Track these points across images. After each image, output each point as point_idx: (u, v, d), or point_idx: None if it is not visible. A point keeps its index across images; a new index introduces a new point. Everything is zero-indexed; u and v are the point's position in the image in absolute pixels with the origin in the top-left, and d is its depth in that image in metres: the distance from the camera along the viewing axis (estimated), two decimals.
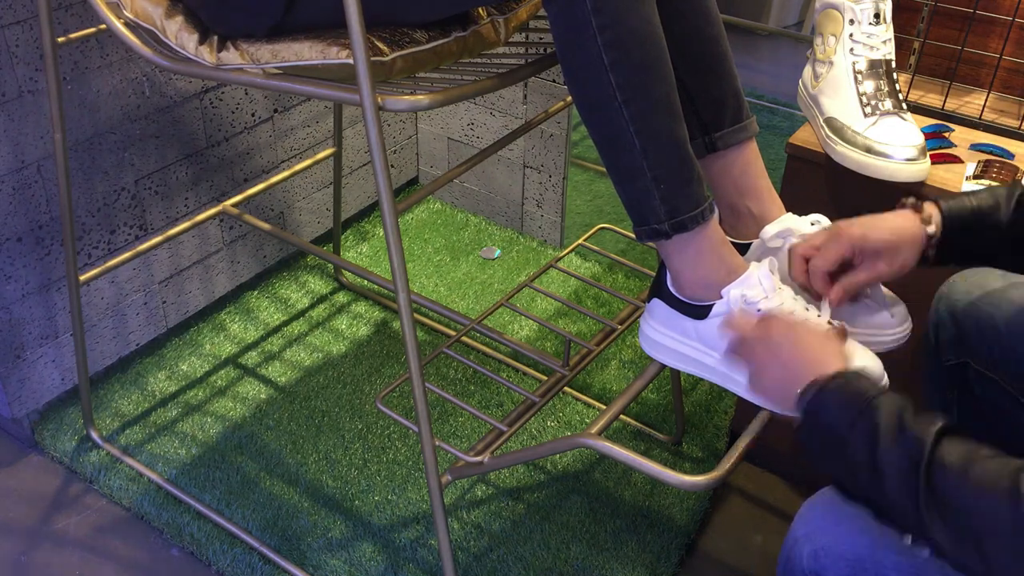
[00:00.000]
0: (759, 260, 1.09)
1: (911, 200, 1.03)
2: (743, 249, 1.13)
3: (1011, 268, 1.04)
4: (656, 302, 1.07)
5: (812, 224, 1.09)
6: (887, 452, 0.79)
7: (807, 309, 1.00)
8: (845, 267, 1.02)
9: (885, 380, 0.99)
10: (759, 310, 0.98)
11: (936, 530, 0.76)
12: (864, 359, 0.98)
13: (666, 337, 1.07)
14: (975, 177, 1.27)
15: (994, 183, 1.26)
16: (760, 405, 1.01)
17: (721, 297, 1.00)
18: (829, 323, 0.99)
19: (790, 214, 1.11)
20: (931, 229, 1.00)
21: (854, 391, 0.84)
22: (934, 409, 1.20)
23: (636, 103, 0.94)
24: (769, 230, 1.10)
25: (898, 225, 1.01)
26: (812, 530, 0.89)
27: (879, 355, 1.02)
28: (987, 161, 1.30)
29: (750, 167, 1.12)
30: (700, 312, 1.02)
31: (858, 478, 0.82)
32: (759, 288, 0.98)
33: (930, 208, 1.01)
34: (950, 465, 0.76)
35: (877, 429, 0.80)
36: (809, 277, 1.02)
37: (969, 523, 0.75)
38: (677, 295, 1.04)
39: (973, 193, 1.01)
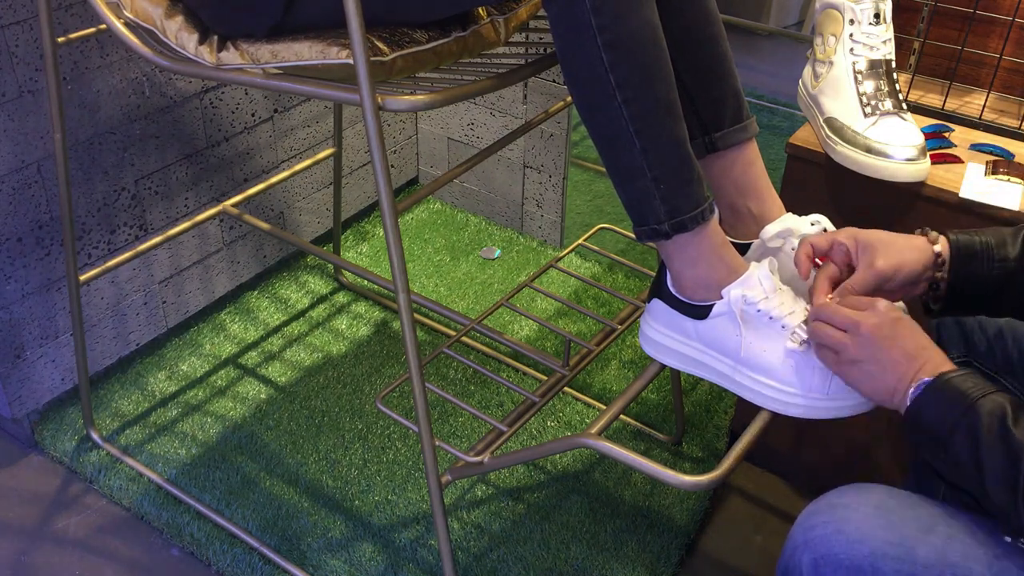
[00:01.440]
0: (759, 260, 1.09)
1: (919, 229, 1.03)
2: (743, 249, 1.13)
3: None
4: (656, 302, 1.07)
5: (812, 224, 1.09)
6: (988, 456, 0.81)
7: (807, 310, 1.00)
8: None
9: None
10: (759, 310, 0.98)
11: None
12: None
13: (666, 337, 1.07)
14: (992, 173, 1.28)
15: (1012, 179, 1.26)
16: (761, 405, 1.01)
17: (721, 297, 1.00)
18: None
19: (790, 214, 1.11)
20: (938, 248, 0.99)
21: (956, 392, 0.85)
22: None
23: (636, 103, 0.94)
24: (769, 230, 1.10)
25: (901, 235, 1.01)
26: (812, 538, 0.89)
27: None
28: (994, 161, 1.30)
29: (750, 167, 1.12)
30: (700, 312, 1.02)
31: (960, 477, 0.84)
32: (759, 288, 0.98)
33: (939, 235, 1.01)
34: None
35: (978, 432, 0.82)
36: (800, 263, 1.02)
37: None
38: (677, 295, 1.04)
39: (977, 231, 1.01)
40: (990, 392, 0.84)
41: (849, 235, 1.01)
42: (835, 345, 0.93)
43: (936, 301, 1.02)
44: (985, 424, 0.82)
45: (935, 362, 0.89)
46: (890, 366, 0.90)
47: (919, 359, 0.89)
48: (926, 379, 0.87)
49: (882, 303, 0.93)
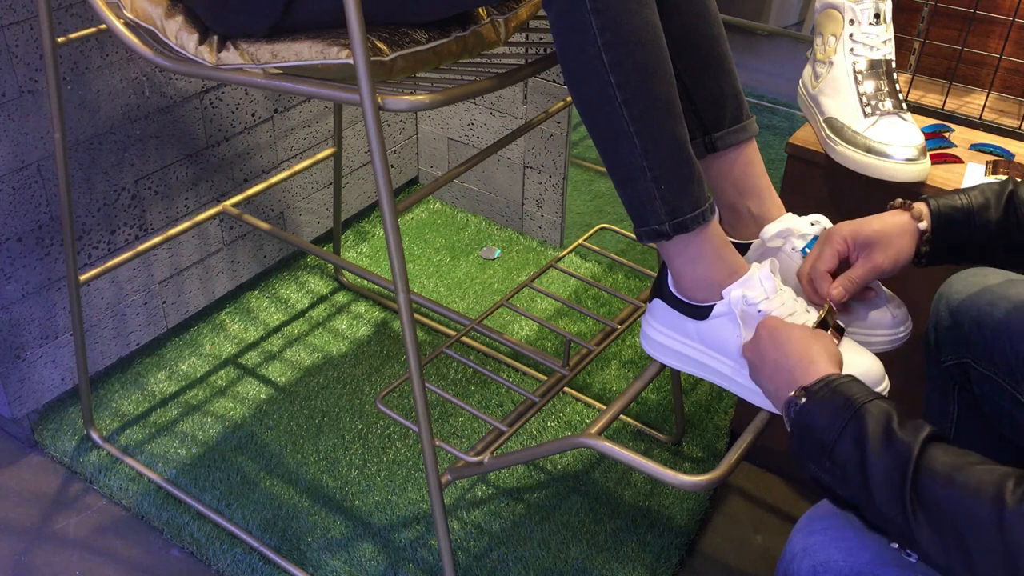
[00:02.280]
0: (759, 260, 1.09)
1: (899, 201, 1.04)
2: (743, 249, 1.13)
3: (1004, 265, 1.05)
4: (657, 302, 1.07)
5: (812, 224, 1.09)
6: (874, 458, 0.79)
7: (808, 311, 1.00)
8: (844, 267, 1.03)
9: (886, 382, 0.99)
10: (760, 311, 0.98)
11: (922, 536, 0.76)
12: (864, 360, 0.98)
13: (667, 338, 1.07)
14: (992, 173, 1.28)
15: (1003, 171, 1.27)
16: (760, 406, 1.01)
17: (722, 298, 1.00)
18: (829, 323, 0.99)
19: (790, 214, 1.12)
20: (923, 225, 1.01)
21: (843, 397, 0.83)
22: (935, 409, 1.20)
23: (637, 104, 0.94)
24: (769, 230, 1.10)
25: (889, 219, 1.02)
26: (810, 544, 0.89)
27: (879, 355, 1.02)
28: (994, 161, 1.30)
29: (750, 167, 1.12)
30: (701, 313, 1.02)
31: (846, 484, 0.82)
32: (760, 289, 0.98)
33: (920, 205, 1.02)
34: (937, 471, 0.76)
35: (865, 435, 0.80)
36: (813, 284, 1.03)
37: (955, 529, 0.74)
38: (678, 296, 1.04)
39: (964, 191, 1.02)
40: (875, 397, 0.83)
41: (839, 239, 1.02)
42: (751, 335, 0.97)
43: (920, 258, 1.03)
44: (870, 428, 0.80)
45: (816, 368, 0.88)
46: (771, 370, 0.91)
47: (791, 363, 0.89)
48: (813, 382, 0.86)
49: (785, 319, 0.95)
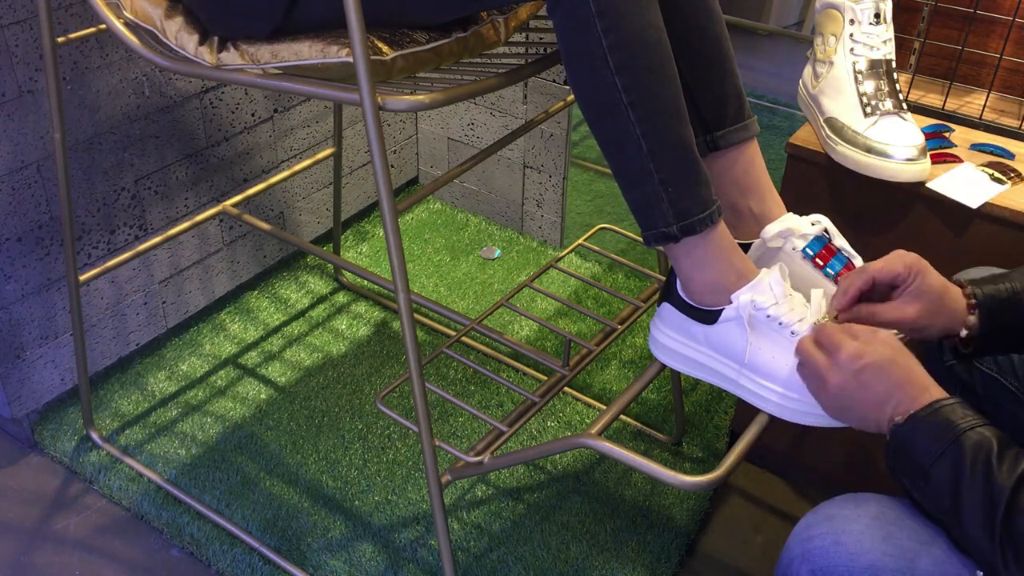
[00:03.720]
0: (760, 260, 1.09)
1: (965, 289, 0.99)
2: (743, 249, 1.12)
3: None
4: (666, 306, 1.07)
5: (812, 224, 1.09)
6: (968, 488, 0.80)
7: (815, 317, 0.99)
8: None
9: None
10: (768, 316, 0.97)
11: (1010, 571, 0.78)
12: None
13: (675, 342, 1.06)
14: (989, 167, 1.28)
15: (997, 173, 1.27)
16: (767, 411, 1.01)
17: (731, 302, 0.99)
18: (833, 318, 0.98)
19: (791, 214, 1.11)
20: (972, 319, 0.98)
21: (943, 423, 0.84)
22: None
23: (643, 105, 0.94)
24: (770, 230, 1.09)
25: (950, 288, 0.98)
26: (810, 550, 0.89)
27: None
28: (994, 161, 1.31)
29: (751, 166, 1.12)
30: (709, 317, 1.01)
31: (938, 506, 0.83)
32: (769, 294, 0.97)
33: (972, 299, 0.98)
34: None
35: (961, 466, 0.81)
36: (857, 281, 0.99)
37: None
38: (687, 300, 1.03)
39: (1001, 276, 1.00)
40: (978, 425, 0.83)
41: (910, 268, 0.98)
42: (816, 370, 0.93)
43: (966, 346, 1.01)
44: (969, 459, 0.81)
45: (919, 394, 0.87)
46: (867, 409, 0.89)
47: (893, 399, 0.88)
48: (915, 408, 0.86)
49: (853, 346, 0.91)
